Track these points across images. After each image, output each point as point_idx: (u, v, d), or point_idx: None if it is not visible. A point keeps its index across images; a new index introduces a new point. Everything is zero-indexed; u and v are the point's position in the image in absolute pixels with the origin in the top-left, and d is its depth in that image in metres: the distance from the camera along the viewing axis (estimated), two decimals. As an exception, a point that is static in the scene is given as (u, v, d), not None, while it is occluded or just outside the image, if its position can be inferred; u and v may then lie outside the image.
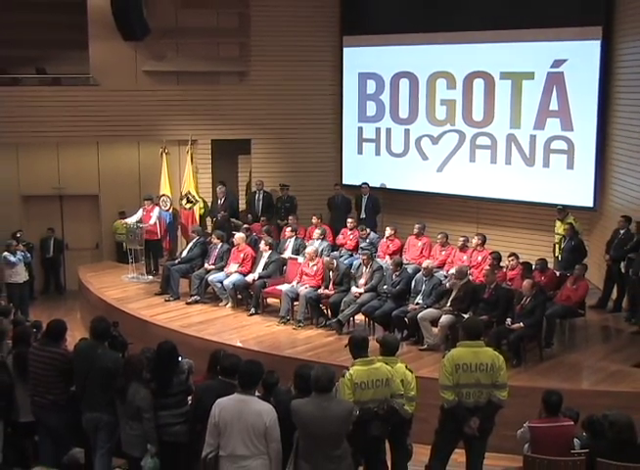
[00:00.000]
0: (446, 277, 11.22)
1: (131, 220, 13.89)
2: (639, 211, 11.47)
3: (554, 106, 13.32)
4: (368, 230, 13.26)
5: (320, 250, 12.11)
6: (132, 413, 6.13)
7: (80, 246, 15.80)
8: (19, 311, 12.19)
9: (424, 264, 11.04)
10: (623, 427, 5.97)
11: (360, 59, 15.53)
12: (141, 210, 13.99)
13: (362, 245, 13.01)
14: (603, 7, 12.65)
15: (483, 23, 13.76)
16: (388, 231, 12.86)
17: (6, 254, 12.98)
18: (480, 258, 11.68)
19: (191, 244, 13.09)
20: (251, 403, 5.47)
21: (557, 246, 12.50)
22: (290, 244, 12.98)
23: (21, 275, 13.15)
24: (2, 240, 13.85)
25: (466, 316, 9.59)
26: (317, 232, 12.98)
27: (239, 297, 12.15)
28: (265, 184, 15.19)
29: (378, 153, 15.62)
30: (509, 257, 11.37)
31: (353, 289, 11.00)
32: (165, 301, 12.46)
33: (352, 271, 11.44)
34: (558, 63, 13.18)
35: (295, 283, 11.54)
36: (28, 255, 13.59)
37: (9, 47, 14.85)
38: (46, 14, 14.85)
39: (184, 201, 14.81)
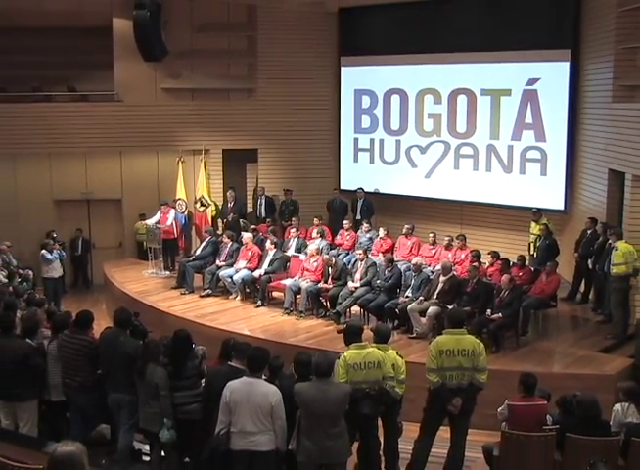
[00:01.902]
0: (433, 272, 11.23)
1: (150, 222, 13.91)
2: (604, 213, 11.49)
3: (529, 119, 13.35)
4: (370, 226, 13.32)
5: (320, 248, 12.13)
6: (151, 392, 6.16)
7: (105, 245, 15.79)
8: (52, 303, 12.20)
9: (413, 261, 11.07)
10: (589, 405, 6.04)
11: (356, 77, 15.54)
12: (159, 212, 14.01)
13: (362, 239, 13.05)
14: (571, 32, 12.69)
15: (466, 45, 13.78)
16: (381, 232, 12.88)
17: (44, 251, 12.99)
18: (463, 256, 11.70)
19: (204, 243, 13.11)
20: (259, 385, 5.51)
21: (532, 244, 12.52)
22: (293, 243, 13.00)
23: (56, 271, 13.17)
24: (38, 239, 13.93)
25: (450, 308, 9.62)
26: (315, 231, 13.02)
27: (247, 290, 12.16)
28: (271, 189, 15.25)
29: (372, 161, 15.62)
30: (500, 257, 11.37)
31: (350, 283, 11.01)
32: (181, 294, 12.47)
33: (349, 267, 11.47)
34: (532, 81, 13.22)
35: (297, 278, 11.55)
36: (63, 253, 13.63)
37: (44, 68, 14.88)
38: (76, 39, 14.88)
39: (198, 204, 14.84)
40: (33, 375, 6.59)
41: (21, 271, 12.16)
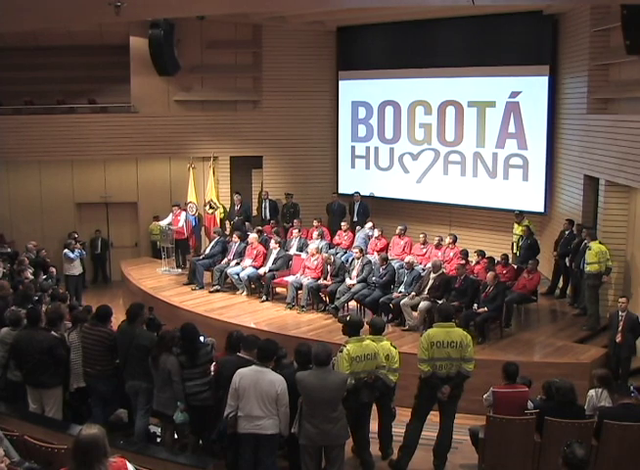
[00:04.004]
0: (424, 270, 11.25)
1: (164, 222, 13.92)
2: (580, 215, 11.53)
3: (512, 129, 13.38)
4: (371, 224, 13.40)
5: (320, 247, 12.15)
6: (164, 378, 6.20)
7: (122, 244, 15.82)
8: (74, 298, 12.22)
9: (406, 259, 11.07)
10: (566, 391, 6.08)
11: (353, 90, 15.55)
12: (171, 214, 14.03)
13: (361, 236, 13.07)
14: (550, 50, 12.75)
15: (454, 61, 13.83)
16: (376, 232, 12.90)
17: (66, 251, 13.03)
18: (452, 255, 11.70)
19: (213, 242, 13.10)
20: (266, 374, 5.55)
21: (515, 244, 12.57)
22: (295, 243, 13.00)
23: (77, 269, 13.20)
24: (61, 239, 14.00)
25: (440, 302, 9.63)
26: (315, 233, 13.05)
27: (252, 286, 12.15)
28: (274, 193, 15.28)
29: (368, 167, 15.62)
30: (485, 256, 11.38)
31: (347, 280, 11.02)
32: (192, 290, 12.44)
33: (346, 265, 11.48)
34: (514, 94, 13.25)
35: (299, 275, 11.56)
36: (84, 252, 13.66)
37: (67, 83, 15.02)
38: (96, 56, 14.99)
39: (207, 207, 14.85)
40: (57, 364, 6.63)
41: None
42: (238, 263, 12.32)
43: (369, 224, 13.45)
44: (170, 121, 15.17)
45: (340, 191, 15.74)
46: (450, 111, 14.15)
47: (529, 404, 6.34)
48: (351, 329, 6.24)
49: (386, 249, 12.62)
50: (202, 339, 6.67)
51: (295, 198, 15.01)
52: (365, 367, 6.04)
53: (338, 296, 10.86)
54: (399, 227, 12.79)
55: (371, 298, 10.62)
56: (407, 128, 14.83)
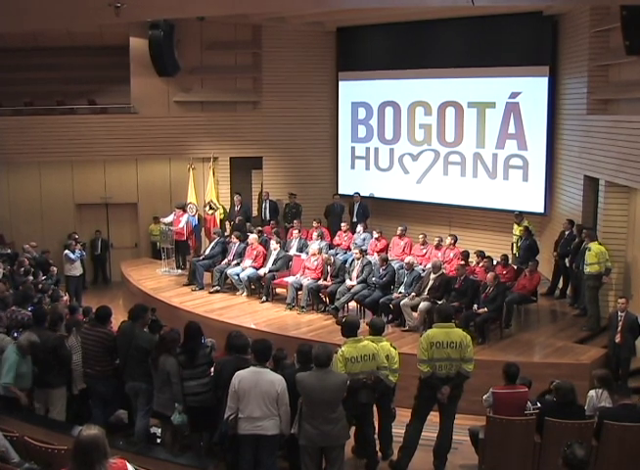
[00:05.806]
0: (424, 271, 11.24)
1: (166, 220, 13.88)
2: (580, 215, 11.54)
3: (512, 129, 13.38)
4: (364, 228, 13.35)
5: (320, 248, 12.14)
6: (163, 379, 6.20)
7: (122, 245, 15.80)
8: (74, 299, 12.21)
9: (406, 260, 11.07)
10: (566, 391, 6.08)
11: (353, 90, 15.55)
12: (173, 214, 14.02)
13: (357, 240, 13.05)
14: (549, 51, 12.74)
15: (454, 61, 13.82)
16: (375, 234, 12.89)
17: (67, 251, 13.02)
18: (452, 255, 11.69)
19: (213, 243, 13.10)
20: (265, 374, 5.55)
21: (514, 245, 12.57)
22: (295, 243, 13.00)
23: (77, 269, 13.17)
24: (61, 239, 14.01)
25: (440, 303, 9.62)
26: (315, 234, 13.06)
27: (252, 287, 12.15)
28: (274, 194, 15.26)
29: (367, 168, 15.61)
30: (485, 256, 11.39)
31: (347, 281, 11.02)
32: (192, 290, 12.44)
33: (346, 266, 11.47)
34: (514, 94, 13.25)
35: (299, 276, 11.56)
36: (84, 253, 13.66)
37: (67, 84, 15.02)
38: (96, 57, 14.99)
39: (207, 208, 14.86)
40: (61, 364, 6.66)
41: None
42: (238, 264, 12.32)
43: (359, 228, 13.33)
44: (170, 122, 15.15)
45: (339, 192, 15.73)
46: (450, 111, 14.15)
47: (529, 405, 6.34)
48: (347, 330, 6.24)
49: (385, 249, 12.62)
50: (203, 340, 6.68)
51: (296, 198, 14.99)
52: (362, 368, 6.03)
53: (338, 296, 10.86)
54: (399, 228, 12.77)
55: (371, 298, 10.62)
56: (407, 129, 14.82)
